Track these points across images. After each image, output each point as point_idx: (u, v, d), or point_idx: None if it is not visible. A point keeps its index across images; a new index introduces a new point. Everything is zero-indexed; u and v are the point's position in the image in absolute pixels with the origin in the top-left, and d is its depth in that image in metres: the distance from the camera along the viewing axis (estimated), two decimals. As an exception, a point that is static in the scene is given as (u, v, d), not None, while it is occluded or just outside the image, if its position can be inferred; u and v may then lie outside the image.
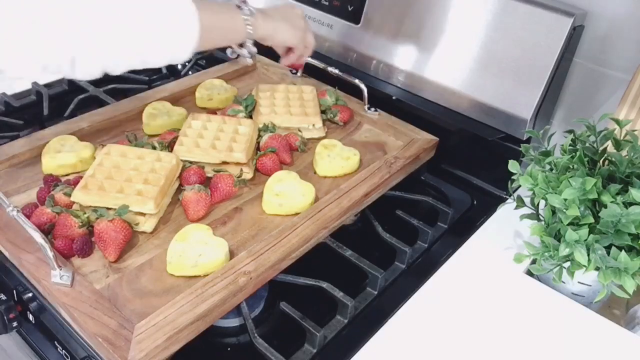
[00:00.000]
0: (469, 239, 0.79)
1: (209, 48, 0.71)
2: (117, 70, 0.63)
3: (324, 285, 0.68)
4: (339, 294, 0.67)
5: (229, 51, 0.86)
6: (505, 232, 0.80)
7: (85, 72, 0.61)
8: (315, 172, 0.82)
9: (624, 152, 0.69)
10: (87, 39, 0.58)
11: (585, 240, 0.62)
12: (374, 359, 0.62)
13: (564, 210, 0.63)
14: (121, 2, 0.60)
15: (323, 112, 0.92)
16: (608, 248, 0.63)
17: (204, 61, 1.20)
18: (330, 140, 0.86)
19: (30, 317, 0.67)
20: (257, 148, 0.84)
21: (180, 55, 0.66)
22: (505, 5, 0.82)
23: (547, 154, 0.72)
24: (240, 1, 0.75)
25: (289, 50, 0.87)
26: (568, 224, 0.64)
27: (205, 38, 0.66)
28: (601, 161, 0.71)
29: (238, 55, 0.84)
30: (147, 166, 0.72)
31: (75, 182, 0.71)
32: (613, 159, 0.68)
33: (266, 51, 1.10)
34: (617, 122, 0.70)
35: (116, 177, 0.70)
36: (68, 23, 0.57)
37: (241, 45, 0.79)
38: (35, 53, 0.57)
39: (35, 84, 1.02)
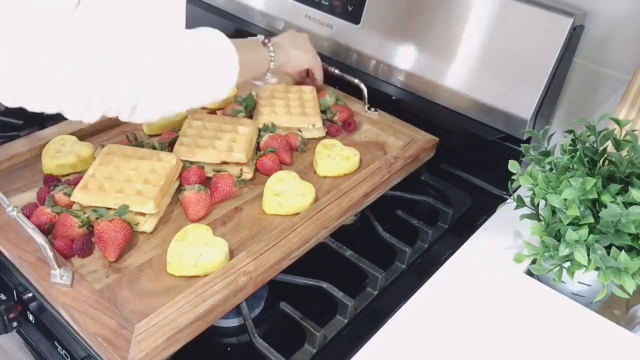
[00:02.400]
0: (469, 239, 0.79)
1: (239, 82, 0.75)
2: (172, 113, 0.66)
3: (324, 285, 0.68)
4: (339, 294, 0.67)
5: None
6: (505, 232, 0.80)
7: (144, 117, 0.63)
8: (315, 172, 0.82)
9: (624, 152, 0.69)
10: (148, 87, 0.60)
11: (585, 240, 0.62)
12: (374, 359, 0.62)
13: (564, 210, 0.63)
14: (177, 51, 0.63)
15: (323, 112, 0.92)
16: (608, 248, 0.63)
17: (204, 61, 1.19)
18: (330, 140, 0.86)
19: (30, 317, 0.67)
20: (257, 148, 0.84)
21: (221, 95, 0.72)
22: (505, 5, 0.82)
23: (547, 154, 0.72)
24: (265, 38, 0.83)
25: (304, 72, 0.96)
26: (568, 224, 0.64)
27: (240, 76, 0.72)
28: (601, 161, 0.70)
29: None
30: (147, 166, 0.72)
31: (75, 182, 0.71)
32: (613, 159, 0.68)
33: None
34: (617, 122, 0.70)
35: (116, 177, 0.70)
36: (130, 72, 0.58)
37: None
38: (98, 98, 0.58)
39: (35, 84, 1.02)
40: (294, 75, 0.97)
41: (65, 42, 0.53)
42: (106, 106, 0.59)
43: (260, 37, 0.83)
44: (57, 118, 0.95)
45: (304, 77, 0.98)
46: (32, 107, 0.57)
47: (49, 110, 0.58)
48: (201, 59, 0.66)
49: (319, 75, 0.95)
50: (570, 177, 0.64)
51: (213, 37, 0.69)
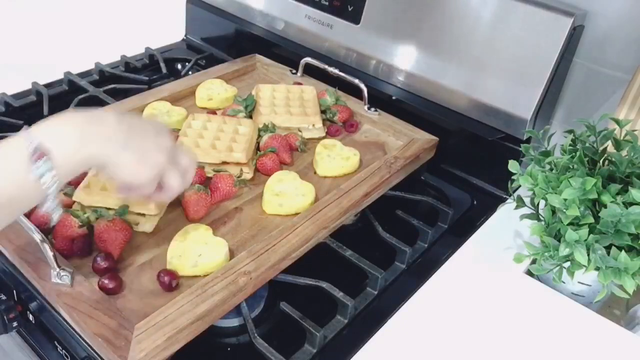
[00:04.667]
0: (469, 239, 0.79)
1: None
2: None
3: (324, 285, 0.68)
4: (339, 294, 0.67)
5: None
6: (505, 232, 0.80)
7: None
8: (315, 172, 0.82)
9: (624, 152, 0.69)
10: None
11: (585, 240, 0.62)
12: (374, 359, 0.62)
13: (564, 210, 0.63)
14: None
15: (323, 112, 0.92)
16: (608, 248, 0.63)
17: (204, 61, 1.20)
18: (330, 140, 0.86)
19: (30, 317, 0.67)
20: (257, 148, 0.84)
21: None
22: (505, 5, 0.82)
23: (547, 154, 0.72)
24: (38, 149, 0.46)
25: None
26: (568, 224, 0.64)
27: None
28: (601, 161, 0.70)
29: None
30: (147, 166, 0.72)
31: (75, 182, 0.71)
32: (613, 159, 0.68)
33: (266, 51, 1.11)
34: (617, 122, 0.70)
35: (116, 177, 0.70)
36: None
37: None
38: None
39: (35, 83, 1.02)
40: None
41: None
42: None
43: (30, 144, 0.46)
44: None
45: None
46: None
47: None
48: None
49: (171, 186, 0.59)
50: (570, 177, 0.64)
51: None
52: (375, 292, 0.71)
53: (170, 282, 0.61)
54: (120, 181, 0.55)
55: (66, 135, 0.48)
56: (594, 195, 0.63)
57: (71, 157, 0.48)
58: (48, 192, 0.47)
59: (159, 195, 0.59)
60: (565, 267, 0.66)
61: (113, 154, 0.51)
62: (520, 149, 0.74)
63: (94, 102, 1.01)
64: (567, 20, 0.78)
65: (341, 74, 0.95)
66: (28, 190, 0.46)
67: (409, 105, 0.94)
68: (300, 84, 1.00)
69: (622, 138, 0.69)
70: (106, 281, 0.60)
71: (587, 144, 0.71)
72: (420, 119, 0.92)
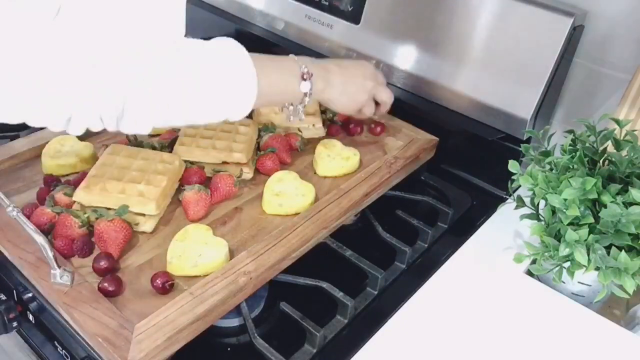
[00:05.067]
0: (469, 239, 0.79)
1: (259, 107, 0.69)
2: (165, 126, 0.61)
3: (324, 285, 0.68)
4: (339, 294, 0.67)
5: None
6: (505, 232, 0.80)
7: (132, 129, 0.57)
8: (315, 172, 0.82)
9: (624, 152, 0.69)
10: (131, 97, 0.54)
11: (585, 240, 0.62)
12: (374, 359, 0.62)
13: (564, 210, 0.63)
14: (169, 60, 0.56)
15: (323, 112, 0.92)
16: (608, 248, 0.63)
17: (204, 61, 1.19)
18: (330, 140, 0.86)
19: (30, 317, 0.67)
20: (257, 148, 0.84)
21: (230, 117, 0.63)
22: (505, 5, 0.82)
23: (547, 154, 0.72)
24: (306, 69, 0.69)
25: None
26: (568, 224, 0.64)
27: (259, 102, 0.63)
28: (601, 161, 0.71)
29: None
30: (150, 167, 0.72)
31: (75, 182, 0.71)
32: (613, 159, 0.68)
33: (266, 51, 1.10)
34: (617, 122, 0.70)
35: (119, 178, 0.70)
36: (110, 80, 0.52)
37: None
38: (78, 110, 0.52)
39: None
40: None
41: (41, 54, 0.49)
42: (88, 118, 0.53)
43: (302, 67, 0.69)
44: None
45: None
46: (13, 120, 0.53)
47: (30, 123, 0.54)
48: (201, 72, 0.58)
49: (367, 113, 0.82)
50: (570, 177, 0.64)
51: (225, 50, 0.60)
52: (375, 292, 0.71)
53: (164, 285, 0.61)
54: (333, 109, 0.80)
55: (316, 71, 0.70)
56: (594, 195, 0.63)
57: (318, 85, 0.71)
58: (305, 102, 0.71)
59: (358, 114, 0.83)
60: (565, 267, 0.66)
61: (333, 97, 0.75)
62: (520, 149, 0.74)
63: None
64: (567, 20, 0.78)
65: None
66: (292, 95, 0.70)
67: (409, 105, 0.94)
68: (300, 84, 1.00)
69: (622, 138, 0.69)
70: (106, 284, 0.60)
71: (587, 144, 0.71)
72: (420, 119, 0.92)
